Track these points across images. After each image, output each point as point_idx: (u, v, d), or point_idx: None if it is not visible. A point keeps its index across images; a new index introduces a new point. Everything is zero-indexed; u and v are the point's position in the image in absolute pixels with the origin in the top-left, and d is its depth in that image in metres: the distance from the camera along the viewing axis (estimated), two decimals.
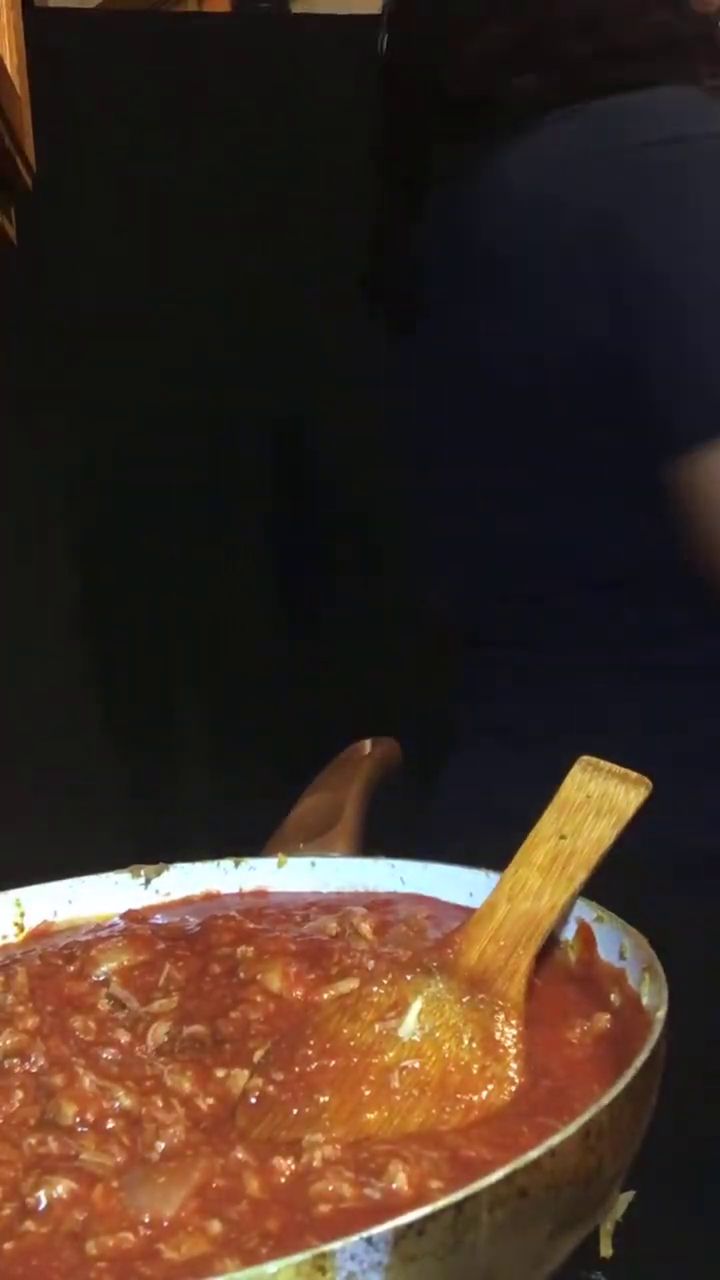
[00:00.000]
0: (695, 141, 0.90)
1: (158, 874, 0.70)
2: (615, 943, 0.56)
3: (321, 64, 1.69)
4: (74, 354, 1.65)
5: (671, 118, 0.93)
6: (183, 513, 1.72)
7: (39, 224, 1.55)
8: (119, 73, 1.67)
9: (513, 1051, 0.51)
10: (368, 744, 0.87)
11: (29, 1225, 0.42)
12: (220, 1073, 0.51)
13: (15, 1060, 0.52)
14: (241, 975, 0.58)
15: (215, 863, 0.71)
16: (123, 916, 0.68)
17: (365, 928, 0.61)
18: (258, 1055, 0.52)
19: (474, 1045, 0.51)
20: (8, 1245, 0.42)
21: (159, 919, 0.67)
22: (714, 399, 0.89)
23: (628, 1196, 0.48)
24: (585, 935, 0.58)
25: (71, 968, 0.60)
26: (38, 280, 1.59)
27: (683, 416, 0.90)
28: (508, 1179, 0.38)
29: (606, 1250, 0.48)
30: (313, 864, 0.70)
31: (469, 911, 0.59)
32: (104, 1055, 0.53)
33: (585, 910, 0.58)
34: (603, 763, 0.60)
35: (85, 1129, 0.48)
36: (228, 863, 0.71)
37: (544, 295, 0.95)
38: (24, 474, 1.60)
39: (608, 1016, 0.53)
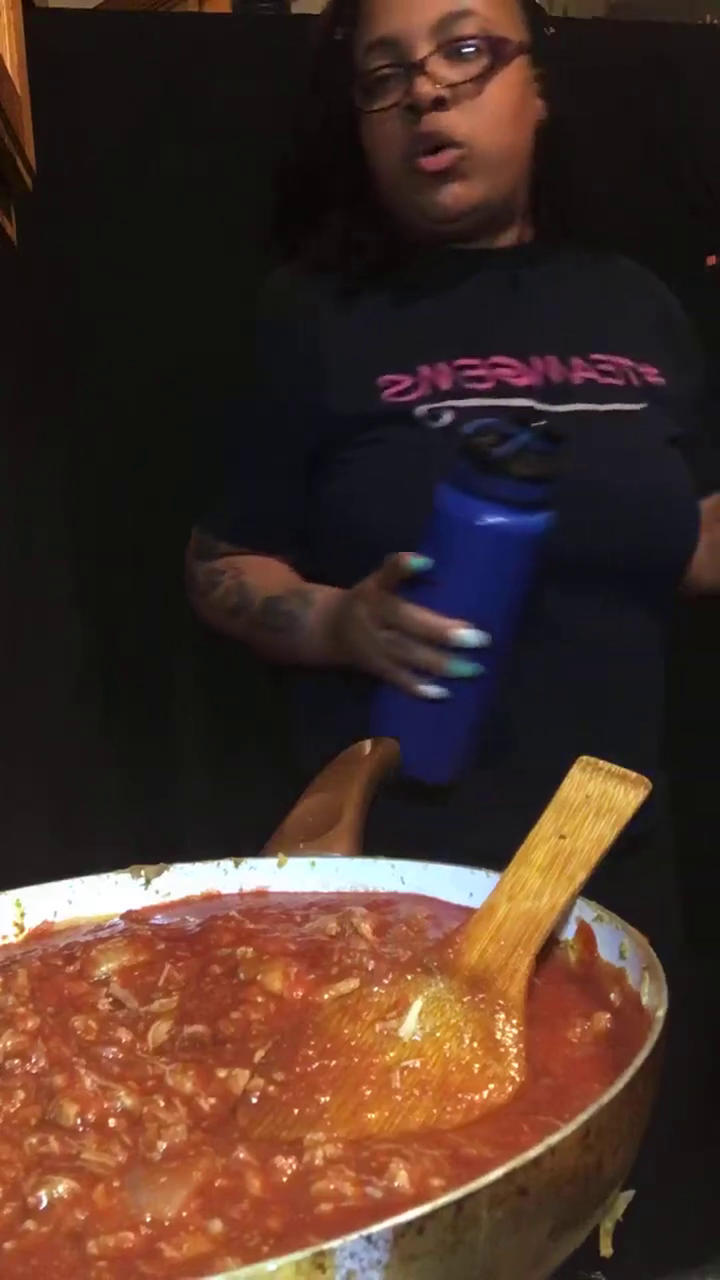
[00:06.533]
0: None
1: (158, 874, 0.70)
2: (615, 942, 0.56)
3: None
4: (74, 354, 1.65)
5: None
6: (183, 512, 1.72)
7: (39, 224, 1.55)
8: (119, 73, 1.66)
9: (513, 1051, 0.51)
10: (368, 744, 0.87)
11: (30, 1225, 0.42)
12: (221, 1073, 0.51)
13: (16, 1061, 0.53)
14: (242, 976, 0.58)
15: (215, 863, 0.71)
16: (123, 917, 0.68)
17: (365, 928, 0.61)
18: (258, 1055, 0.52)
19: (475, 1045, 0.51)
20: (9, 1245, 0.42)
21: (159, 919, 0.67)
22: None
23: (628, 1196, 0.48)
24: (585, 935, 0.58)
25: (71, 968, 0.61)
26: (38, 280, 1.59)
27: None
28: (507, 1177, 0.39)
29: (606, 1250, 0.48)
30: (313, 864, 0.70)
31: (469, 911, 0.59)
32: (105, 1055, 0.53)
33: (585, 910, 0.58)
34: (602, 763, 0.60)
35: (86, 1129, 0.48)
36: (228, 863, 0.71)
37: None
38: (24, 473, 1.60)
39: (608, 1016, 0.53)
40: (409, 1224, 0.37)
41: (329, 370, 1.20)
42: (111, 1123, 0.48)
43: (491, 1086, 0.49)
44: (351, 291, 1.22)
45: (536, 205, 1.27)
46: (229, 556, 1.26)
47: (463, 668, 1.01)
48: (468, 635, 1.00)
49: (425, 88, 1.15)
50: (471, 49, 1.16)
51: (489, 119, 1.17)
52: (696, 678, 1.71)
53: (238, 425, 1.28)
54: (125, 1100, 0.49)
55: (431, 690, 1.02)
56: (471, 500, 1.00)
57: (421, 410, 1.15)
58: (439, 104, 1.15)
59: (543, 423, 1.02)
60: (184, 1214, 0.42)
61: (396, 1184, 0.42)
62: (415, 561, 1.01)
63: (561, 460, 1.02)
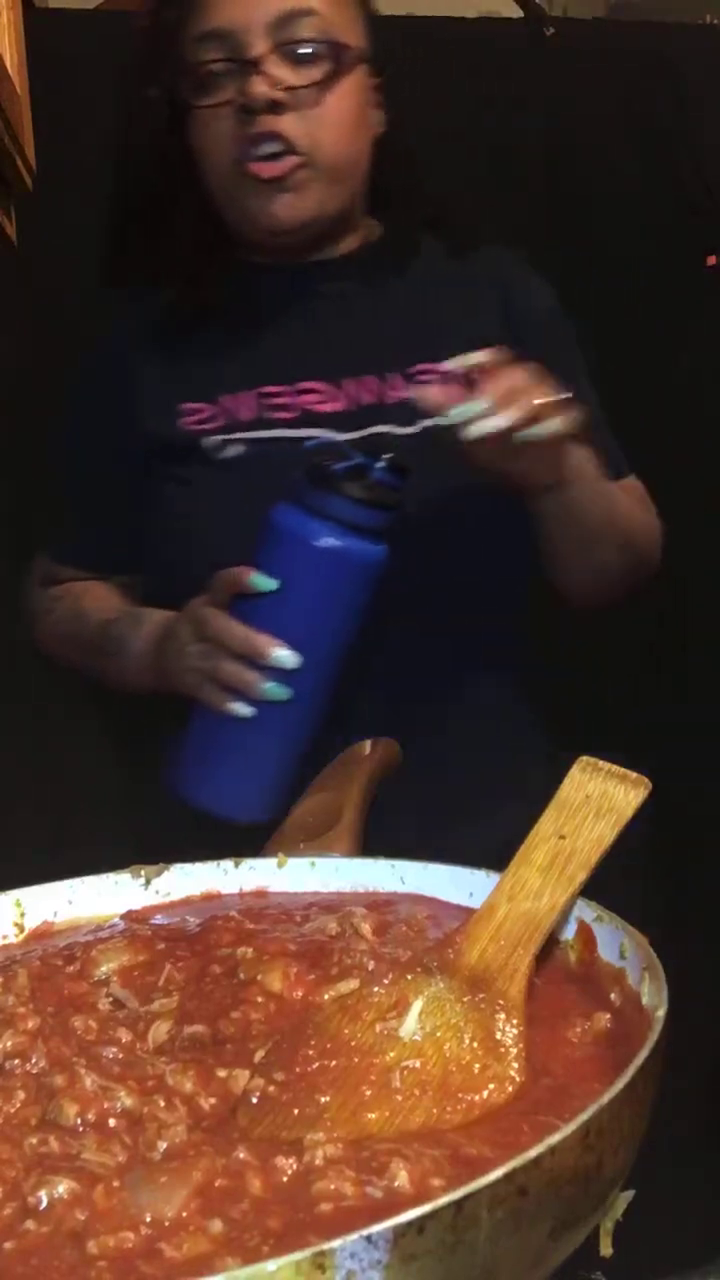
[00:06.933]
0: None
1: (158, 874, 0.70)
2: (615, 942, 0.56)
3: None
4: (73, 354, 1.64)
5: None
6: None
7: (39, 224, 1.55)
8: (119, 73, 1.66)
9: (513, 1051, 0.51)
10: (368, 744, 0.87)
11: (30, 1224, 0.42)
12: (221, 1072, 0.51)
13: (16, 1061, 0.53)
14: (242, 976, 0.58)
15: (215, 863, 0.71)
16: (123, 917, 0.68)
17: (365, 928, 0.62)
18: (259, 1055, 0.52)
19: (475, 1045, 0.51)
20: (9, 1244, 0.42)
21: (159, 919, 0.67)
22: None
23: (628, 1196, 0.48)
24: (585, 935, 0.58)
25: (72, 968, 0.61)
26: (38, 280, 1.59)
27: None
28: (507, 1177, 0.39)
29: (606, 1250, 0.48)
30: (313, 864, 0.70)
31: (469, 911, 0.60)
32: (105, 1055, 0.53)
33: (585, 910, 0.58)
34: (601, 763, 0.60)
35: (86, 1129, 0.48)
36: (228, 863, 0.71)
37: None
38: (25, 472, 1.60)
39: (608, 1016, 0.53)
40: (409, 1224, 0.37)
41: (140, 399, 1.15)
42: (111, 1123, 0.48)
43: (491, 1086, 0.49)
44: (170, 318, 1.18)
45: (377, 208, 1.21)
46: (70, 582, 1.23)
47: (276, 690, 0.96)
48: (284, 656, 0.95)
49: (261, 88, 1.07)
50: (311, 51, 1.10)
51: (329, 129, 1.10)
52: (667, 680, 1.72)
53: (67, 450, 1.24)
54: (125, 1100, 0.49)
55: (241, 709, 0.97)
56: (308, 519, 0.96)
57: (210, 442, 1.12)
58: (275, 107, 1.08)
59: (390, 455, 0.98)
60: (184, 1214, 0.42)
61: (396, 1184, 0.42)
62: (258, 580, 0.96)
63: (403, 492, 0.98)
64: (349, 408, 1.13)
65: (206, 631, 0.98)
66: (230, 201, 1.13)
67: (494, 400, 0.94)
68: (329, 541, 0.95)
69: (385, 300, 1.18)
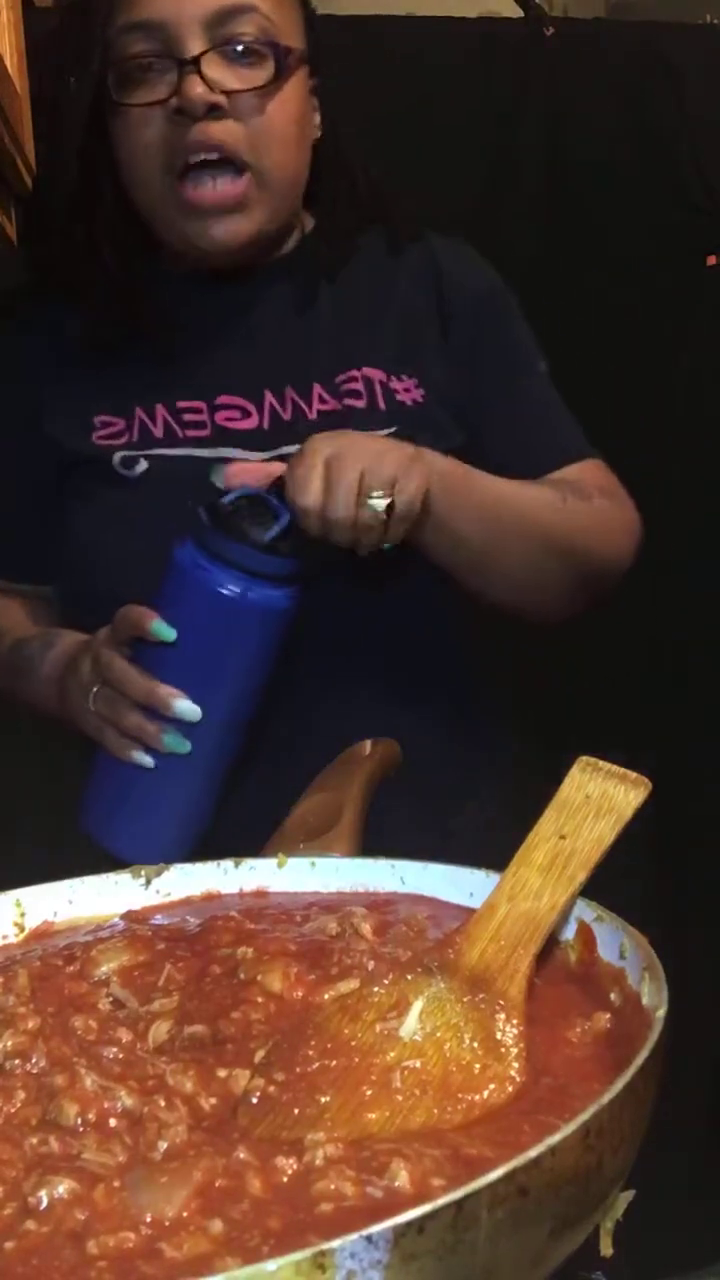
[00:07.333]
0: None
1: (158, 874, 0.70)
2: (615, 942, 0.56)
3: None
4: None
5: None
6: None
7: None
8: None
9: (514, 1051, 0.51)
10: (368, 744, 0.87)
11: (30, 1224, 0.42)
12: (222, 1072, 0.51)
13: (17, 1061, 0.53)
14: (242, 976, 0.58)
15: (215, 863, 0.71)
16: (123, 917, 0.68)
17: (365, 928, 0.62)
18: (259, 1055, 0.52)
19: (475, 1045, 0.51)
20: (9, 1244, 0.42)
21: (159, 919, 0.67)
22: None
23: (628, 1196, 0.48)
24: (585, 935, 0.58)
25: (72, 968, 0.61)
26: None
27: None
28: (508, 1177, 0.39)
29: (606, 1250, 0.48)
30: (313, 864, 0.70)
31: (469, 911, 0.60)
32: (105, 1055, 0.53)
33: (585, 910, 0.58)
34: (601, 763, 0.60)
35: (86, 1129, 0.48)
36: (228, 863, 0.71)
37: None
38: None
39: (608, 1016, 0.53)
40: (409, 1224, 0.37)
41: (52, 408, 1.09)
42: (112, 1123, 0.48)
43: (492, 1086, 0.49)
44: (89, 334, 1.10)
45: (311, 205, 1.14)
46: None
47: (176, 744, 0.91)
48: (186, 709, 0.90)
49: (198, 89, 0.98)
50: (252, 51, 1.01)
51: (273, 140, 1.02)
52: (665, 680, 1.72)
53: None
54: (125, 1100, 0.49)
55: (143, 759, 0.92)
56: (212, 565, 0.91)
57: (118, 458, 1.06)
58: (214, 111, 0.99)
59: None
60: (184, 1214, 0.42)
61: (397, 1184, 0.42)
62: (158, 629, 0.90)
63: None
64: (264, 424, 1.08)
65: (108, 676, 0.93)
66: (161, 218, 1.05)
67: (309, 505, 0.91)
68: (233, 589, 0.91)
69: (313, 308, 1.12)
